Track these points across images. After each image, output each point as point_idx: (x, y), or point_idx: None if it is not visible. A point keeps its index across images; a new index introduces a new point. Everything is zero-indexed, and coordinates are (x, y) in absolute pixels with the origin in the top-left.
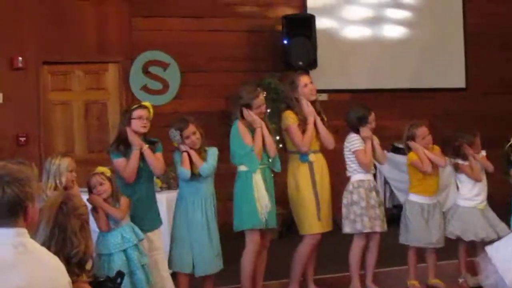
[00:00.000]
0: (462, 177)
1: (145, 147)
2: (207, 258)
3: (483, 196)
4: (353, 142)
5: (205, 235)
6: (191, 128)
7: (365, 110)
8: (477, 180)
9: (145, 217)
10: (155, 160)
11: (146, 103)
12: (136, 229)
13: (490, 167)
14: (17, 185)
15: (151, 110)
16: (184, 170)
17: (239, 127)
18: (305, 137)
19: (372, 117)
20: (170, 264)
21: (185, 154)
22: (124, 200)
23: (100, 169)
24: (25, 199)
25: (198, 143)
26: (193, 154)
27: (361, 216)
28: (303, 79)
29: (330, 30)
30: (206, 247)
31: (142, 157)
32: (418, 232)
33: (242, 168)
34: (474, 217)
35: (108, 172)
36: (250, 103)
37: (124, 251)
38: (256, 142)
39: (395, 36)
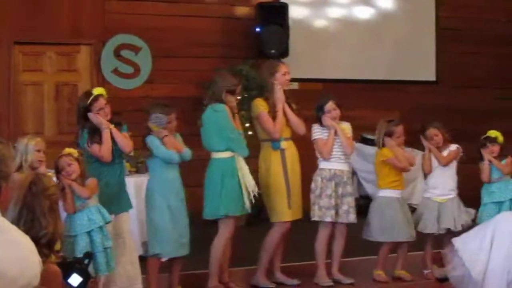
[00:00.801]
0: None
1: (112, 126)
2: (180, 242)
3: (442, 190)
4: (313, 131)
5: (181, 219)
6: (174, 114)
7: (323, 99)
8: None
9: (115, 199)
10: (124, 139)
11: (99, 90)
12: (103, 210)
13: (441, 161)
14: None
15: (104, 92)
16: (174, 153)
17: (227, 112)
18: (276, 123)
19: (329, 105)
20: (149, 247)
21: (169, 138)
22: (91, 180)
23: (67, 150)
24: (1, 177)
25: (174, 131)
26: (177, 140)
27: (313, 205)
28: (284, 67)
29: (303, 19)
30: (180, 231)
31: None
32: (396, 227)
33: (224, 154)
34: (427, 209)
35: (75, 153)
36: (235, 90)
37: (89, 233)
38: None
39: (368, 27)
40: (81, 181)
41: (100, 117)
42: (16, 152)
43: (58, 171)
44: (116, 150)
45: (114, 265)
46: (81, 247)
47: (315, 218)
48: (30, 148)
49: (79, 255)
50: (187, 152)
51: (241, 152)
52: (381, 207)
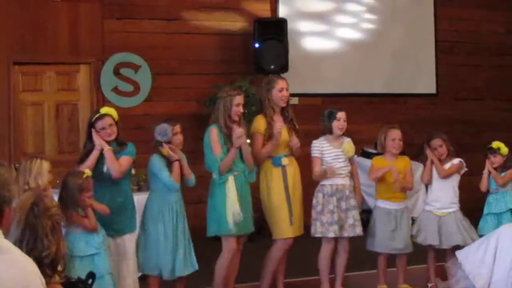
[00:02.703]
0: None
1: (107, 147)
2: (182, 261)
3: (442, 203)
4: (313, 148)
5: (181, 239)
6: (178, 127)
7: (335, 107)
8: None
9: (116, 220)
10: (113, 163)
11: (106, 110)
12: (103, 235)
13: (440, 173)
14: None
15: (114, 113)
16: (175, 183)
17: (211, 133)
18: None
19: (341, 114)
20: (141, 267)
21: (177, 164)
22: (90, 212)
23: (88, 172)
24: (3, 202)
25: (180, 145)
26: (185, 166)
27: (315, 221)
28: (281, 83)
29: (302, 34)
30: (181, 250)
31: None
32: (385, 238)
33: (215, 175)
34: (428, 222)
35: (89, 174)
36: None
37: (90, 256)
38: (228, 156)
39: (367, 41)
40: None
41: (98, 136)
42: (24, 174)
43: (80, 190)
44: (107, 173)
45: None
46: (79, 270)
47: (317, 234)
48: (44, 170)
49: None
50: (191, 180)
51: (216, 178)
52: (374, 218)
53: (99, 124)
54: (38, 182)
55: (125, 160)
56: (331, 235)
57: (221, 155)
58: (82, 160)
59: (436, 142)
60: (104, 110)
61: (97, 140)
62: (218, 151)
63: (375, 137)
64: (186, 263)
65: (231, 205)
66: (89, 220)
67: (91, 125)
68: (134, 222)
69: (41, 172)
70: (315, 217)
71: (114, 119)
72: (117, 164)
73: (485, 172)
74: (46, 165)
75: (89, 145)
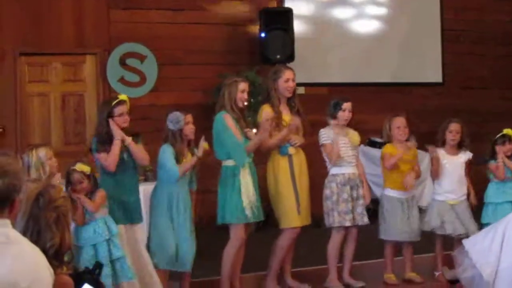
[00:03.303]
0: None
1: (129, 140)
2: (190, 253)
3: (457, 194)
4: (321, 136)
5: (187, 231)
6: (190, 116)
7: (342, 97)
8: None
9: (127, 210)
10: (141, 152)
11: (124, 97)
12: (110, 222)
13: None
14: (7, 177)
15: (128, 102)
16: (176, 171)
17: (227, 120)
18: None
19: (348, 104)
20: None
21: (193, 159)
22: (100, 193)
23: (80, 167)
24: (14, 191)
25: (192, 135)
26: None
27: (332, 211)
28: (287, 74)
29: (308, 24)
30: (188, 242)
31: (126, 149)
32: (394, 226)
33: (229, 162)
34: (444, 211)
35: (87, 170)
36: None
37: (94, 245)
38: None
39: (373, 30)
40: (90, 196)
41: (116, 127)
42: (28, 167)
43: (68, 183)
44: (128, 161)
45: (132, 274)
46: (85, 259)
47: (335, 224)
48: (43, 158)
49: (83, 266)
50: (194, 184)
51: (239, 163)
52: (382, 206)
53: (119, 109)
54: (40, 172)
55: (143, 148)
56: (348, 224)
57: (243, 140)
58: (98, 143)
59: (455, 126)
60: (122, 96)
61: (115, 130)
62: (239, 136)
63: (382, 127)
64: (191, 254)
65: (247, 192)
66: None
67: (109, 111)
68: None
69: (40, 161)
70: (331, 207)
71: (128, 108)
72: (144, 154)
73: (500, 160)
74: (43, 154)
75: (104, 134)
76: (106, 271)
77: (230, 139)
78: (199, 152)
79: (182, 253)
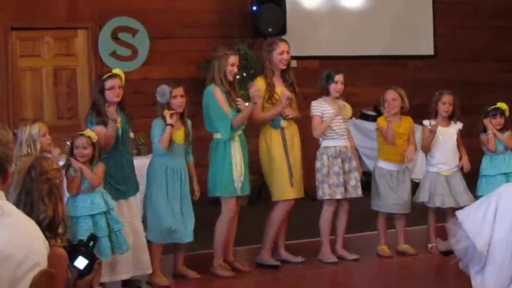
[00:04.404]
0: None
1: (114, 124)
2: (188, 226)
3: (450, 165)
4: (312, 107)
5: (185, 204)
6: (181, 90)
7: (335, 69)
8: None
9: (123, 183)
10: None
11: (117, 71)
12: (107, 196)
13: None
14: (1, 147)
15: (123, 76)
16: (160, 148)
17: (215, 93)
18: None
19: (340, 77)
20: (148, 234)
21: (169, 129)
22: (100, 167)
23: (88, 132)
24: (6, 161)
25: (182, 108)
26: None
27: (322, 184)
28: (282, 46)
29: None
30: (185, 215)
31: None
32: (385, 198)
33: (219, 135)
34: (437, 183)
35: (94, 138)
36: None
37: (92, 216)
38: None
39: (365, 3)
40: (90, 166)
41: (112, 111)
42: (20, 142)
43: (72, 149)
44: (120, 137)
45: (128, 246)
46: (84, 230)
47: (325, 197)
48: (35, 135)
49: (81, 237)
50: (190, 156)
51: (224, 136)
52: (376, 178)
53: (109, 83)
54: (31, 148)
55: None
56: (339, 196)
57: (232, 113)
58: (94, 117)
59: (448, 98)
60: (115, 70)
61: (111, 114)
62: (228, 110)
63: (374, 100)
64: (189, 227)
65: (237, 166)
66: (71, 183)
67: (101, 85)
68: (137, 185)
69: (31, 137)
70: (322, 179)
71: (122, 82)
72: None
73: (490, 133)
74: (35, 130)
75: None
76: (105, 243)
77: (216, 111)
78: (168, 119)
79: (178, 225)
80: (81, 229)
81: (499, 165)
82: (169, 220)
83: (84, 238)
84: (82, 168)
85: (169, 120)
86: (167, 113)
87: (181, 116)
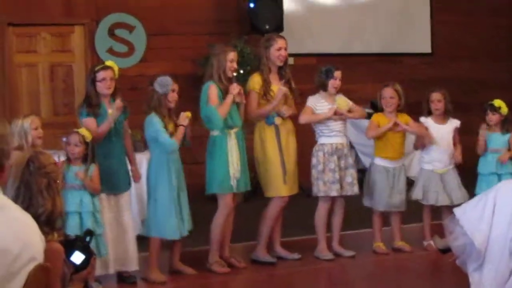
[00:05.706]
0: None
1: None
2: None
3: (445, 162)
4: (307, 100)
5: (182, 199)
6: (176, 85)
7: (332, 66)
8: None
9: (114, 178)
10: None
11: (109, 63)
12: (95, 199)
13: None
14: None
15: (116, 69)
16: (175, 143)
17: (210, 90)
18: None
19: (338, 73)
20: (149, 229)
21: (182, 129)
22: (95, 171)
23: (83, 131)
24: (2, 156)
25: (174, 103)
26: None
27: (317, 180)
28: (280, 42)
29: None
30: (183, 211)
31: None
32: (379, 196)
33: (216, 132)
34: (432, 181)
35: (88, 138)
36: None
37: (79, 214)
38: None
39: (362, 0)
40: (83, 165)
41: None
42: (12, 133)
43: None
44: (113, 128)
45: (106, 251)
46: (71, 226)
47: (320, 194)
48: (26, 128)
49: (68, 233)
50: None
51: (215, 126)
52: (371, 175)
53: (101, 74)
54: (22, 141)
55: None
56: (334, 194)
57: (217, 105)
58: (86, 108)
59: (436, 96)
60: (108, 62)
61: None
62: (214, 102)
63: (371, 97)
64: (188, 223)
65: (233, 162)
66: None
67: (93, 76)
68: (130, 180)
69: (23, 130)
70: (317, 176)
71: (114, 75)
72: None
73: (481, 135)
74: (27, 123)
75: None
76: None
77: (208, 107)
78: (181, 121)
79: (184, 220)
80: (68, 225)
81: (492, 164)
82: (178, 216)
83: (72, 234)
84: (83, 179)
85: (182, 122)
86: (189, 114)
87: (169, 111)
